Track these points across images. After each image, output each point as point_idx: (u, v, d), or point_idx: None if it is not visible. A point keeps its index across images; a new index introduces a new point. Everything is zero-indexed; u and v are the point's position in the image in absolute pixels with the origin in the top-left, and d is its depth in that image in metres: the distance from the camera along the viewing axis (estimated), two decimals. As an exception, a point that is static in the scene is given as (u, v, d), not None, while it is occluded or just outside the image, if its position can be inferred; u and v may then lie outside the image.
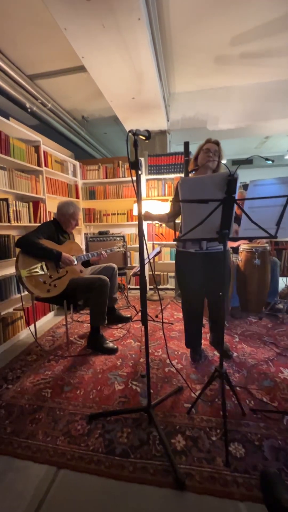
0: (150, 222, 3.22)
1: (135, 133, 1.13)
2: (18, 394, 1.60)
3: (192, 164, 1.76)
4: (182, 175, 3.49)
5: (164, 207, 3.15)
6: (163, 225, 3.50)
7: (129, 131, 1.11)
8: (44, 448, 1.21)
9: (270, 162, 1.29)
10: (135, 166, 1.13)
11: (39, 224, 2.15)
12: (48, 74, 2.96)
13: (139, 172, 1.16)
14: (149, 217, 1.75)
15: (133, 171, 1.16)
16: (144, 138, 1.21)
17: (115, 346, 2.06)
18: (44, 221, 2.72)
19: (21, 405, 1.50)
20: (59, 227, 2.22)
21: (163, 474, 1.07)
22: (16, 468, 1.13)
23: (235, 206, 1.11)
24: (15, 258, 1.95)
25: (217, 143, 1.67)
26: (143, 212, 1.72)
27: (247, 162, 7.20)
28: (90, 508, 0.97)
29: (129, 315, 2.66)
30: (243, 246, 2.57)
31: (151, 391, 1.54)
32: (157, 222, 3.29)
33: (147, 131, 1.20)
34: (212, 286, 1.78)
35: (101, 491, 1.02)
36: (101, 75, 2.43)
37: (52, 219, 2.26)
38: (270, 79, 3.28)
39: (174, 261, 3.57)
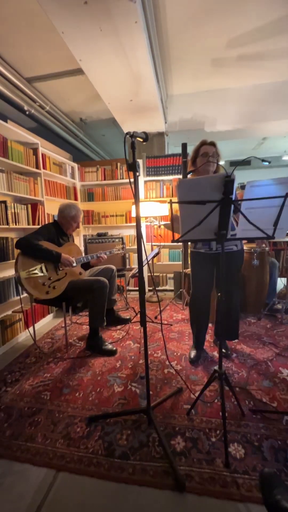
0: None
1: (133, 135, 1.13)
2: (17, 397, 1.59)
3: (190, 167, 1.76)
4: (180, 176, 3.51)
5: (162, 209, 3.16)
6: (162, 226, 3.50)
7: (127, 133, 1.12)
8: (43, 451, 1.21)
9: (267, 163, 1.30)
10: (132, 167, 1.14)
11: (40, 226, 2.14)
12: (46, 77, 2.97)
13: (137, 173, 1.17)
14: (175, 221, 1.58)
15: (131, 173, 1.16)
16: (141, 140, 1.22)
17: (114, 348, 2.05)
18: (43, 223, 2.72)
19: (20, 408, 1.49)
20: (60, 229, 2.22)
21: (163, 476, 1.07)
22: (15, 471, 1.12)
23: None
24: (13, 261, 1.95)
25: (213, 144, 1.68)
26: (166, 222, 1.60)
27: (244, 163, 7.22)
28: (89, 510, 0.96)
29: (128, 317, 2.66)
30: (239, 246, 2.57)
31: (151, 392, 1.54)
32: (159, 224, 3.30)
33: (145, 133, 1.21)
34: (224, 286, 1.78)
35: (100, 494, 1.02)
36: (98, 77, 2.44)
37: (52, 221, 2.26)
38: (267, 81, 3.31)
39: (173, 262, 3.62)
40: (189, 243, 1.66)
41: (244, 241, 2.76)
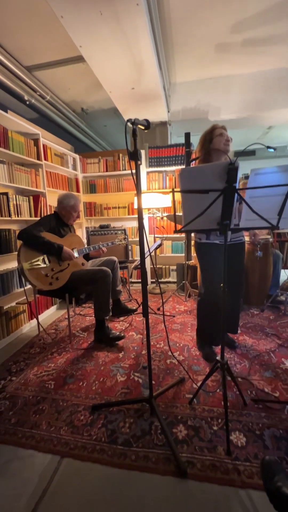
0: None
1: (134, 122, 1.11)
2: (22, 386, 1.62)
3: (200, 152, 1.68)
4: (184, 167, 3.45)
5: (165, 200, 3.12)
6: (164, 218, 3.48)
7: (128, 120, 1.09)
8: (47, 437, 1.23)
9: (272, 150, 1.26)
10: (134, 156, 1.11)
11: (40, 217, 2.14)
12: (46, 65, 2.90)
13: (139, 162, 1.14)
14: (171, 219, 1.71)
15: (133, 163, 1.14)
16: (143, 127, 1.19)
17: (122, 334, 2.09)
18: (45, 215, 2.71)
19: (25, 396, 1.52)
20: (60, 220, 2.21)
21: (165, 463, 1.08)
22: (21, 457, 1.15)
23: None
24: (16, 252, 1.95)
25: (225, 129, 1.67)
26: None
27: (249, 153, 7.08)
28: (93, 495, 0.98)
29: (134, 307, 2.68)
30: (245, 238, 2.55)
31: (153, 382, 1.55)
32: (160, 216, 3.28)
33: (146, 120, 1.18)
34: (231, 277, 1.67)
35: (103, 479, 1.04)
36: (99, 64, 2.38)
37: (53, 212, 2.25)
38: (272, 68, 3.20)
39: (176, 254, 3.60)
40: (192, 234, 1.63)
41: (246, 232, 2.74)
